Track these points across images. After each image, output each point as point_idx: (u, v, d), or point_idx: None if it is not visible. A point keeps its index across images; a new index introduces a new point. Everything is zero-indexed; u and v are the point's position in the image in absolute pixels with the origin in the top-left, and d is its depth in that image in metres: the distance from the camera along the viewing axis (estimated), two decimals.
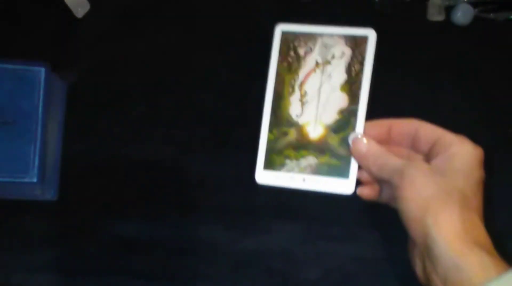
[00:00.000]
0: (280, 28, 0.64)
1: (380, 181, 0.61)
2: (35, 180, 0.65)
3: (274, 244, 0.72)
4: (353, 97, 0.61)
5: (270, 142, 0.63)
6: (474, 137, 0.76)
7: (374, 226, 0.73)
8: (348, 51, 0.62)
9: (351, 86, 0.61)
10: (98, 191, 0.73)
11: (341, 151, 0.61)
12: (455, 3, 0.77)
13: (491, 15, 0.78)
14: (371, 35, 0.61)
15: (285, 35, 0.63)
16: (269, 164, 0.62)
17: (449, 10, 0.77)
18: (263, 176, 0.62)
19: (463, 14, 0.77)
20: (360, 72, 0.61)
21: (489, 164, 0.76)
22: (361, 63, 0.61)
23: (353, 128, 0.61)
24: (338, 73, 0.62)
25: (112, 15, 0.77)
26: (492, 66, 0.77)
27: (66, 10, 0.75)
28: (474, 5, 0.77)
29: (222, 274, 0.72)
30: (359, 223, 0.73)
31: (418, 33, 0.77)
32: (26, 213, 0.72)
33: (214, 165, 0.73)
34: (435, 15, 0.77)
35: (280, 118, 0.63)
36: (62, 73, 0.73)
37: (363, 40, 0.62)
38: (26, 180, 0.65)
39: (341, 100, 0.62)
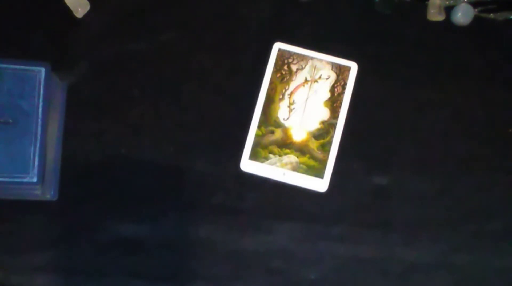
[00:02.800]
0: (278, 46, 0.75)
1: None
2: (35, 180, 0.65)
3: (274, 244, 0.72)
4: (334, 113, 0.73)
5: (257, 137, 0.72)
6: (474, 137, 0.76)
7: (374, 226, 0.73)
8: (333, 75, 0.74)
9: (333, 103, 0.73)
10: (98, 191, 0.73)
11: (319, 154, 0.72)
12: (455, 3, 0.77)
13: (491, 15, 0.78)
14: (353, 66, 0.74)
15: (281, 52, 0.74)
16: (254, 156, 0.72)
17: (449, 10, 0.77)
18: (248, 165, 0.73)
19: (463, 14, 0.77)
20: (341, 93, 0.74)
21: (489, 164, 0.76)
22: (343, 87, 0.74)
23: (331, 137, 0.73)
24: (323, 91, 0.74)
25: (112, 15, 0.76)
26: (492, 66, 0.77)
27: (66, 10, 0.75)
28: (474, 5, 0.77)
29: (222, 274, 0.72)
30: (359, 223, 0.73)
31: (418, 33, 0.77)
32: (26, 213, 0.72)
33: (214, 164, 0.73)
34: (435, 15, 0.77)
35: (269, 118, 0.73)
36: (62, 73, 0.73)
37: (347, 69, 0.74)
38: (26, 180, 0.65)
39: (324, 113, 0.73)
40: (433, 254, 0.73)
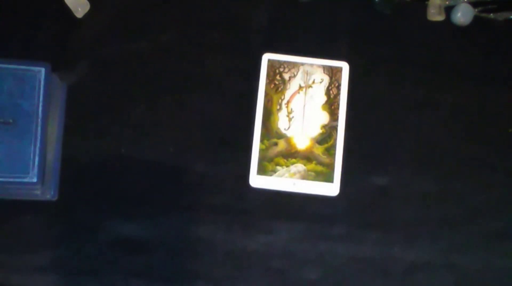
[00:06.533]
0: (267, 57, 0.74)
1: None
2: (35, 180, 0.65)
3: (274, 244, 0.72)
4: (333, 115, 0.73)
5: (262, 151, 0.72)
6: (474, 137, 0.76)
7: (374, 226, 0.73)
8: (326, 78, 0.74)
9: (331, 106, 0.73)
10: (98, 191, 0.73)
11: (326, 159, 0.72)
12: (455, 3, 0.77)
13: (491, 15, 0.78)
14: (344, 66, 0.74)
15: (271, 62, 0.74)
16: (262, 170, 0.72)
17: (449, 10, 0.77)
18: (257, 181, 0.72)
19: (463, 14, 0.77)
20: (337, 95, 0.73)
21: (489, 164, 0.76)
22: (338, 88, 0.74)
23: (335, 140, 0.72)
24: (319, 95, 0.74)
25: (112, 15, 0.77)
26: (492, 66, 0.77)
27: (66, 10, 0.75)
28: (474, 5, 0.77)
29: (222, 274, 0.72)
30: (359, 223, 0.73)
31: (418, 33, 0.77)
32: (26, 213, 0.72)
33: (214, 165, 0.73)
34: (435, 15, 0.77)
35: (270, 130, 0.73)
36: (62, 73, 0.73)
37: (339, 69, 0.74)
38: (26, 180, 0.65)
39: (323, 117, 0.73)
40: (433, 254, 0.73)
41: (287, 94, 0.74)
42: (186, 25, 0.77)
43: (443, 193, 0.74)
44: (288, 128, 0.73)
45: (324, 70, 0.74)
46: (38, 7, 0.76)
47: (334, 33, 0.77)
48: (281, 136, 0.73)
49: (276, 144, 0.73)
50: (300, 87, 0.74)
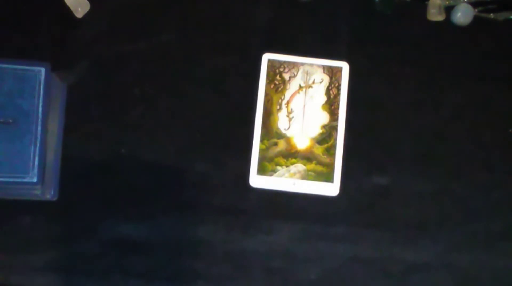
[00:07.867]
0: (267, 57, 0.74)
1: None
2: (35, 180, 0.65)
3: (274, 244, 0.72)
4: (333, 115, 0.73)
5: (262, 151, 0.72)
6: (474, 137, 0.76)
7: (374, 226, 0.73)
8: (326, 78, 0.74)
9: (331, 106, 0.74)
10: (98, 191, 0.73)
11: (326, 159, 0.72)
12: (455, 3, 0.77)
13: (491, 15, 0.78)
14: (344, 66, 0.74)
15: (271, 62, 0.74)
16: (262, 170, 0.72)
17: (449, 10, 0.77)
18: (256, 181, 0.72)
19: (463, 14, 0.77)
20: (337, 95, 0.74)
21: (489, 164, 0.76)
22: (338, 88, 0.74)
23: (335, 140, 0.72)
24: (319, 95, 0.74)
25: (112, 15, 0.77)
26: (492, 66, 0.77)
27: (66, 10, 0.75)
28: (474, 5, 0.77)
29: (222, 274, 0.72)
30: (359, 223, 0.73)
31: (418, 33, 0.78)
32: (26, 213, 0.72)
33: (214, 165, 0.73)
34: (435, 15, 0.77)
35: (270, 130, 0.73)
36: (62, 73, 0.73)
37: (339, 69, 0.74)
38: (26, 180, 0.65)
39: (323, 117, 0.73)
40: (433, 254, 0.73)
41: (287, 94, 0.74)
42: (185, 25, 0.77)
43: (443, 193, 0.74)
44: (288, 128, 0.73)
45: (324, 70, 0.74)
46: (38, 7, 0.76)
47: (334, 33, 0.77)
48: (281, 136, 0.73)
49: (276, 144, 0.73)
50: (300, 87, 0.74)
